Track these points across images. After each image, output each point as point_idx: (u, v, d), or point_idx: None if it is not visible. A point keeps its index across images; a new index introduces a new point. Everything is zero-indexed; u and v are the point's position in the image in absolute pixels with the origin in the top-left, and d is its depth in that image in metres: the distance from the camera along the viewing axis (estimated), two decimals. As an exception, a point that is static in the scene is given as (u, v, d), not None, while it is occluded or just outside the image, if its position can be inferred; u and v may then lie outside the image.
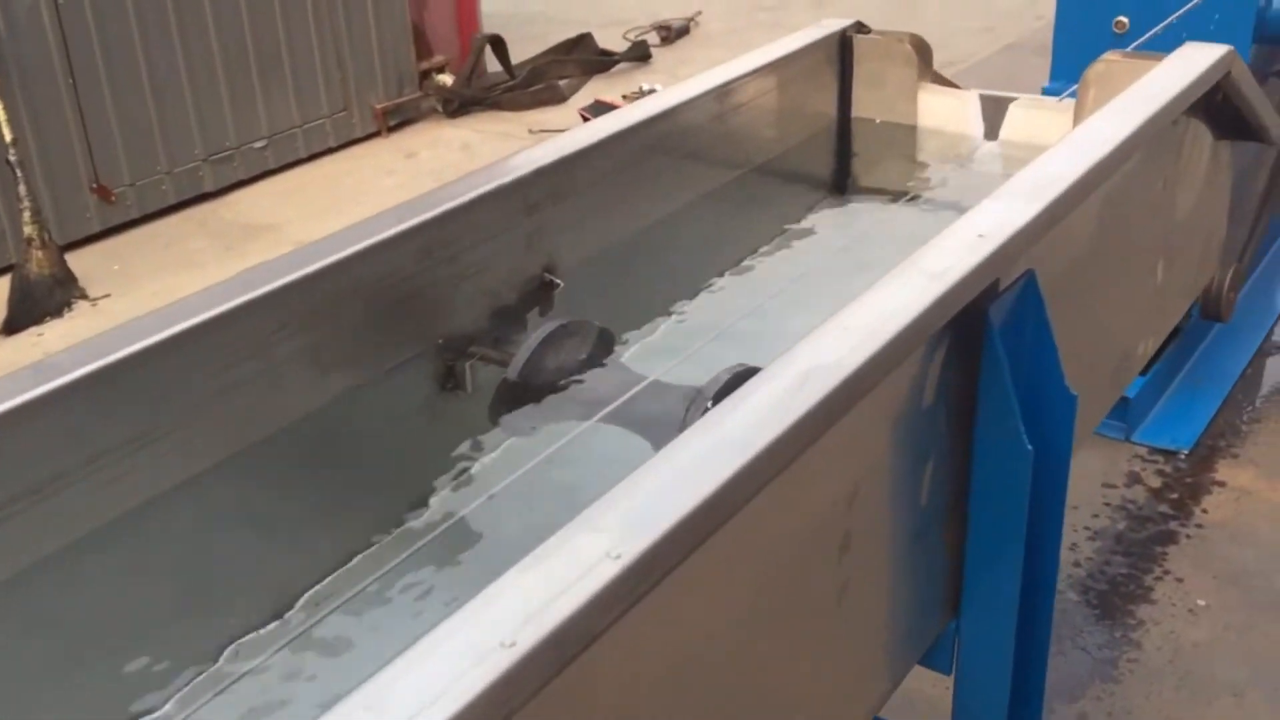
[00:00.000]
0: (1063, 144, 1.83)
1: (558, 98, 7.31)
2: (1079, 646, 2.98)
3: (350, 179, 6.26)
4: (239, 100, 6.05)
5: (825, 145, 2.58)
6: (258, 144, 6.20)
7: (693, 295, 2.31)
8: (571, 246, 2.05)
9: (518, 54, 7.67)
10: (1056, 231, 1.70)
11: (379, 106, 6.76)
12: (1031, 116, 2.30)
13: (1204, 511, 3.41)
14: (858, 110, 2.56)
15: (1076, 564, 3.24)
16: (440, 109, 7.14)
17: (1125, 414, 3.71)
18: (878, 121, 2.52)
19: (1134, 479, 3.57)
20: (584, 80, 7.64)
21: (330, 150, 6.58)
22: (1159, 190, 2.05)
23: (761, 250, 2.51)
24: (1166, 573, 3.19)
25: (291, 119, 6.34)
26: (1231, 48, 2.13)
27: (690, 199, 2.35)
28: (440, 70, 7.20)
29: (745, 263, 2.49)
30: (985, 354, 1.58)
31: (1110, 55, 2.25)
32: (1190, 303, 2.49)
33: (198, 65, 5.82)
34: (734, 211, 2.46)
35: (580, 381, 1.79)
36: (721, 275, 2.43)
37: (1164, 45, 4.06)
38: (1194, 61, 2.12)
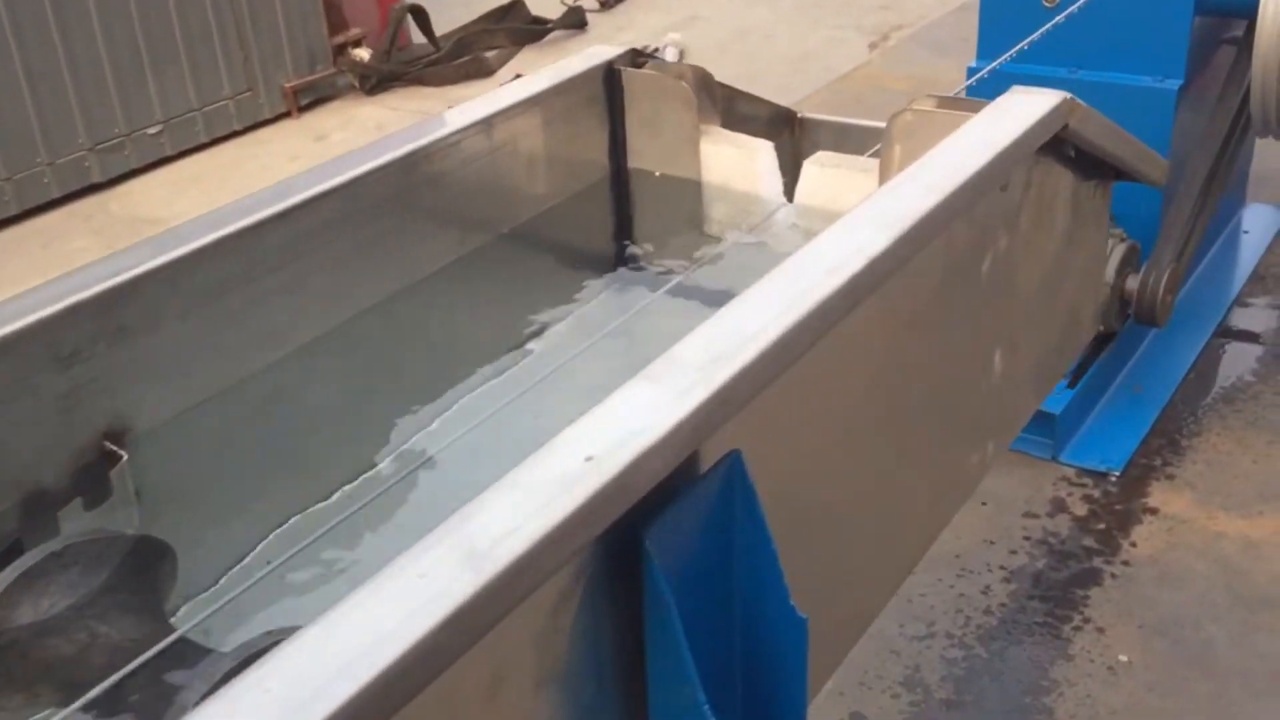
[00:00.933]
0: (808, 250, 1.31)
1: (484, 71, 6.91)
2: (983, 714, 2.66)
3: (254, 164, 5.86)
4: (127, 83, 5.64)
5: (597, 205, 2.06)
6: (151, 130, 5.80)
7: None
8: (153, 397, 1.47)
9: (445, 23, 7.25)
10: (793, 378, 1.22)
11: (288, 85, 6.35)
12: (830, 177, 1.81)
13: (1133, 545, 3.07)
14: (635, 160, 2.05)
15: (989, 611, 2.91)
16: (358, 86, 6.73)
17: (1052, 430, 3.37)
18: (657, 175, 2.02)
19: (1059, 506, 3.23)
20: (514, 51, 7.22)
21: (235, 134, 6.18)
22: (986, 269, 1.60)
23: (475, 376, 1.78)
24: (1087, 621, 2.86)
25: (189, 101, 5.93)
26: (1068, 96, 1.69)
27: (391, 291, 1.76)
28: (357, 44, 6.78)
29: (450, 395, 1.72)
30: (646, 593, 1.09)
31: (920, 103, 1.76)
32: (1059, 376, 2.05)
33: (78, 47, 5.40)
34: (451, 314, 1.85)
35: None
36: (416, 411, 1.70)
37: (1095, 22, 3.70)
38: (1019, 114, 1.64)
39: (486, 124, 1.83)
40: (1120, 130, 1.88)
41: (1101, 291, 2.00)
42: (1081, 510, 3.21)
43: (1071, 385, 3.44)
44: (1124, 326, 3.55)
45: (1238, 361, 3.77)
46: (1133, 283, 3.40)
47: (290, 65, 6.36)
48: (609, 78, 2.04)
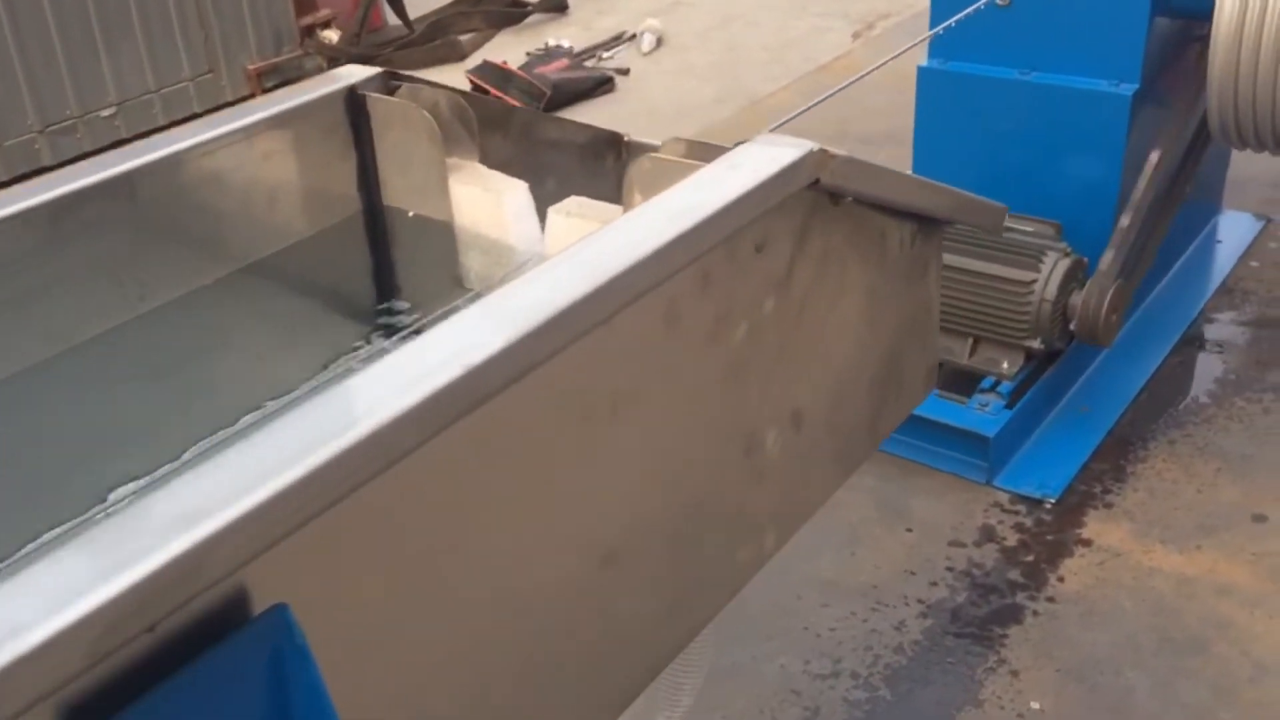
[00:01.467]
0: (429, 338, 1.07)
1: (456, 55, 6.73)
2: (880, 762, 2.51)
3: (209, 150, 5.71)
4: (79, 64, 5.50)
5: (349, 245, 1.81)
6: (104, 112, 5.66)
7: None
8: None
9: (422, 5, 7.09)
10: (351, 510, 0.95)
11: (251, 67, 6.20)
12: (575, 228, 1.57)
13: (1060, 580, 2.90)
14: (389, 196, 1.81)
15: (900, 649, 2.75)
16: (326, 68, 6.56)
17: (986, 453, 3.20)
18: (410, 215, 1.78)
19: (988, 535, 3.06)
20: (490, 34, 7.05)
21: (195, 116, 6.03)
22: (743, 338, 1.36)
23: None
24: (1002, 662, 2.70)
25: (145, 83, 5.79)
26: (816, 148, 1.38)
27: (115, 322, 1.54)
28: (326, 25, 6.63)
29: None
30: None
31: (660, 152, 1.51)
32: (875, 443, 1.74)
33: (26, 24, 5.26)
34: (176, 357, 1.61)
35: None
36: None
37: (1049, 22, 3.51)
38: (751, 170, 1.34)
39: (214, 145, 1.64)
40: (915, 180, 1.62)
41: (932, 347, 1.72)
42: (1011, 540, 3.04)
43: (1010, 405, 3.27)
44: (1068, 345, 3.39)
45: (1194, 381, 3.58)
46: (1076, 299, 3.25)
47: (254, 46, 6.21)
48: (353, 103, 1.82)
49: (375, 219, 1.78)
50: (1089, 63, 3.38)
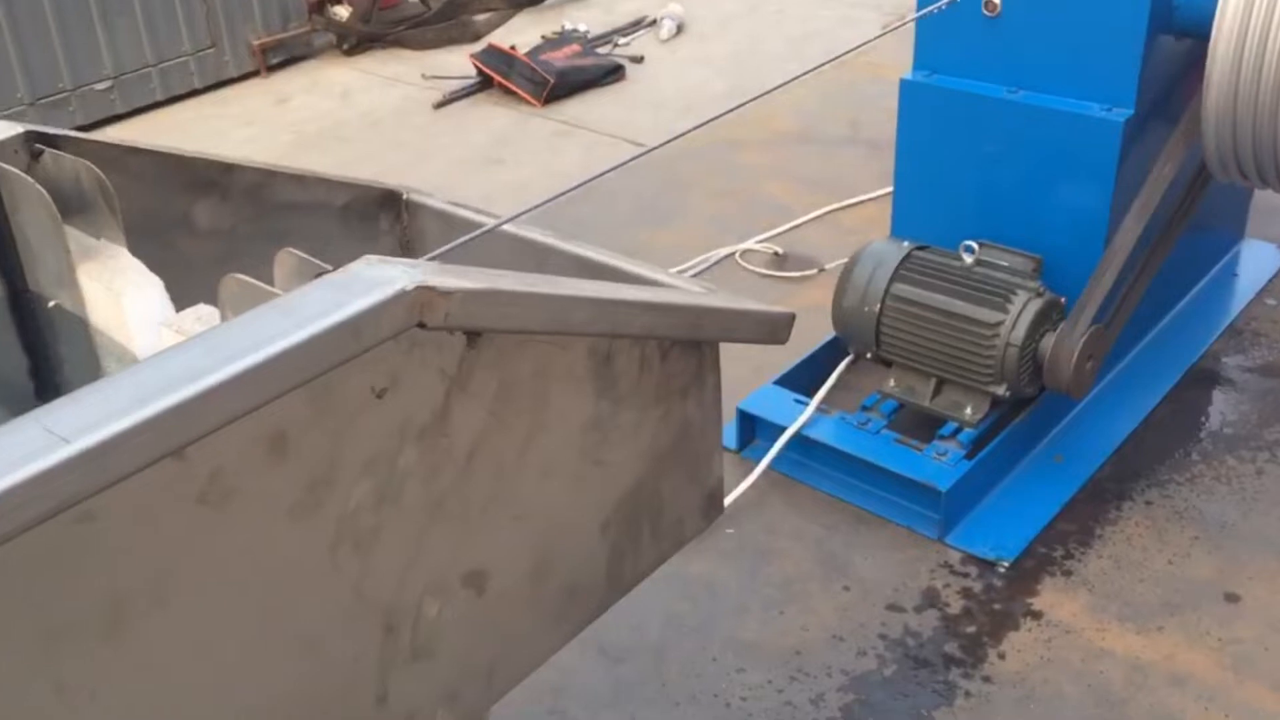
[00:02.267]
0: None
1: (469, 35, 6.53)
2: None
3: (203, 128, 5.58)
4: (74, 36, 5.38)
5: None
6: (99, 85, 5.54)
7: None
8: None
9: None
10: None
11: (256, 43, 6.05)
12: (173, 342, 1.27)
13: (1000, 657, 2.65)
14: (33, 281, 1.53)
15: (812, 727, 2.53)
16: (336, 45, 6.41)
17: (939, 506, 2.95)
18: (50, 305, 1.51)
19: (930, 600, 2.82)
20: (509, 15, 6.83)
21: (196, 92, 5.91)
22: (355, 505, 1.12)
23: None
24: (922, 749, 2.47)
25: (143, 56, 5.67)
26: (412, 287, 0.98)
27: None
28: (337, 1, 6.46)
29: None
30: None
31: (238, 277, 1.21)
32: (617, 590, 1.46)
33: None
34: None
35: None
36: None
37: (1041, 36, 3.21)
38: (309, 313, 1.07)
39: None
40: (602, 301, 1.32)
41: (708, 472, 1.44)
42: (955, 606, 2.79)
43: (970, 455, 3.01)
44: (1040, 392, 3.12)
45: (1183, 434, 3.28)
46: (1049, 343, 2.98)
47: (260, 21, 6.06)
48: None
49: (23, 309, 1.55)
50: (1081, 83, 3.09)
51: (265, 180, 1.50)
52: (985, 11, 3.17)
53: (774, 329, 1.56)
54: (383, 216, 1.38)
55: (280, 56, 6.20)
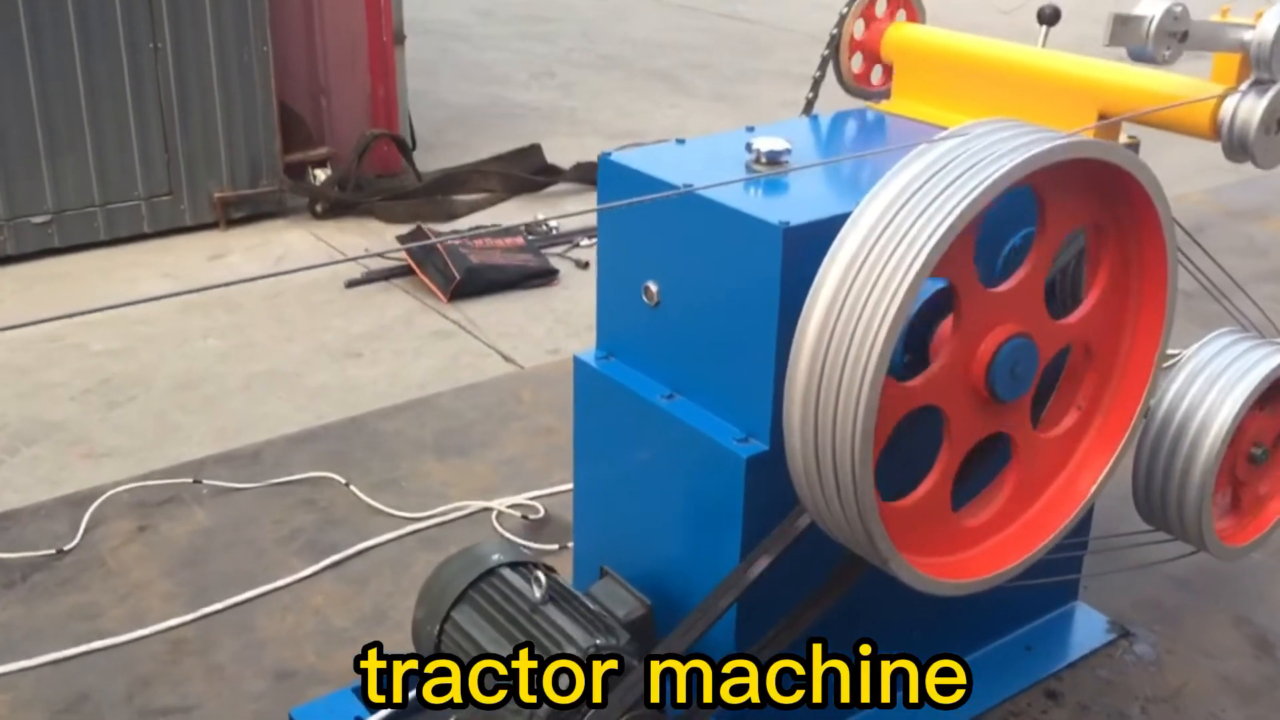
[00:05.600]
0: None
1: (444, 214, 6.34)
2: None
3: (122, 274, 5.53)
4: (16, 167, 5.46)
5: None
6: (37, 219, 5.60)
7: None
8: None
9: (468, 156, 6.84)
10: None
11: (218, 196, 6.02)
12: None
13: None
14: None
15: None
16: (310, 208, 6.33)
17: None
18: None
19: None
20: (501, 198, 6.63)
21: (144, 236, 5.90)
22: None
23: None
24: None
25: (90, 196, 5.71)
26: None
27: None
28: (322, 164, 6.41)
29: None
30: None
31: None
32: None
33: (-43, 125, 5.28)
34: None
35: None
36: None
37: (698, 337, 2.67)
38: None
39: None
40: None
41: None
42: None
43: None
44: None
45: None
46: None
47: (226, 175, 6.03)
48: None
49: None
50: (726, 403, 2.54)
51: None
52: (645, 299, 2.67)
53: None
54: None
55: (246, 211, 6.16)
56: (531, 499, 3.79)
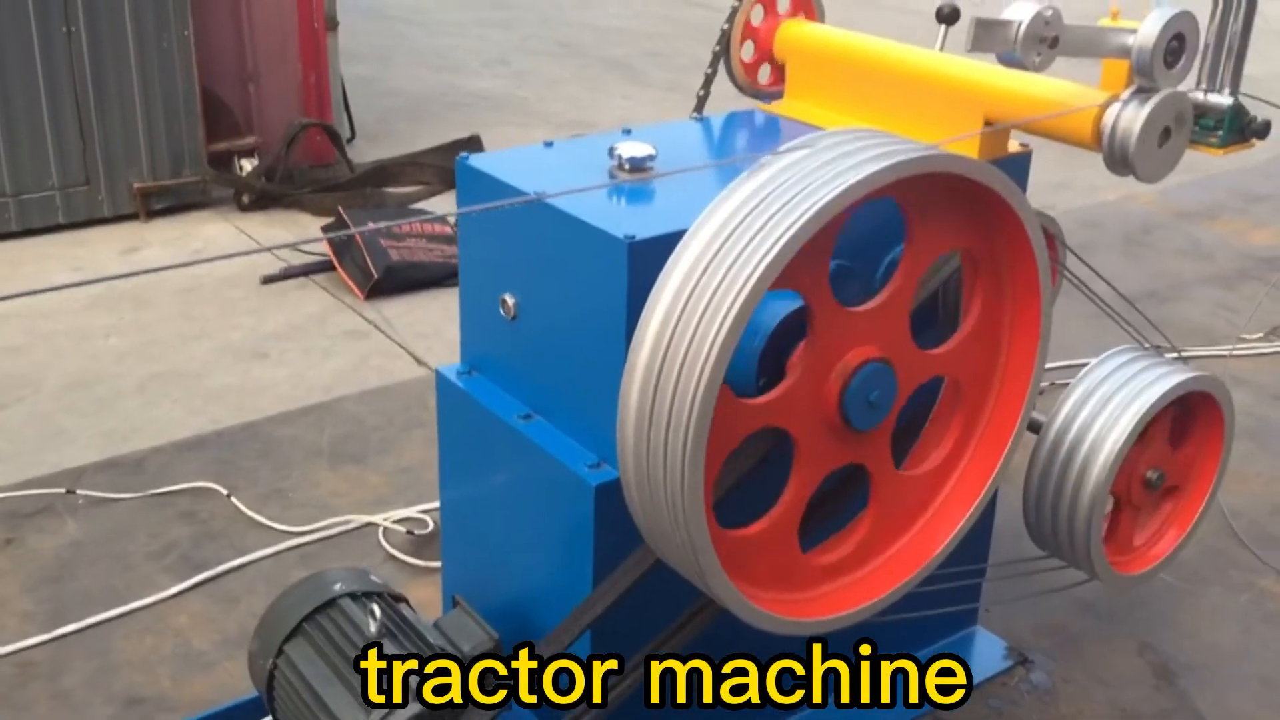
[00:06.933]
0: None
1: (373, 207, 6.15)
2: None
3: (32, 268, 5.34)
4: (-81, 156, 5.28)
5: None
6: (-57, 208, 5.41)
7: None
8: None
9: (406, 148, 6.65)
10: None
11: (138, 186, 5.83)
12: None
13: None
14: None
15: None
16: (235, 199, 6.14)
17: None
18: None
19: None
20: (436, 190, 6.44)
21: (59, 227, 5.71)
22: None
23: None
24: None
25: (1, 185, 5.51)
26: None
27: None
28: (249, 153, 6.22)
29: None
30: None
31: None
32: None
33: None
34: None
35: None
36: None
37: (557, 352, 2.51)
38: None
39: None
40: None
41: None
42: None
43: None
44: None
45: None
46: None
47: (147, 166, 5.84)
48: None
49: None
50: (581, 425, 2.39)
51: None
52: (502, 312, 2.51)
53: None
54: None
55: (168, 202, 5.96)
56: (423, 511, 3.62)
